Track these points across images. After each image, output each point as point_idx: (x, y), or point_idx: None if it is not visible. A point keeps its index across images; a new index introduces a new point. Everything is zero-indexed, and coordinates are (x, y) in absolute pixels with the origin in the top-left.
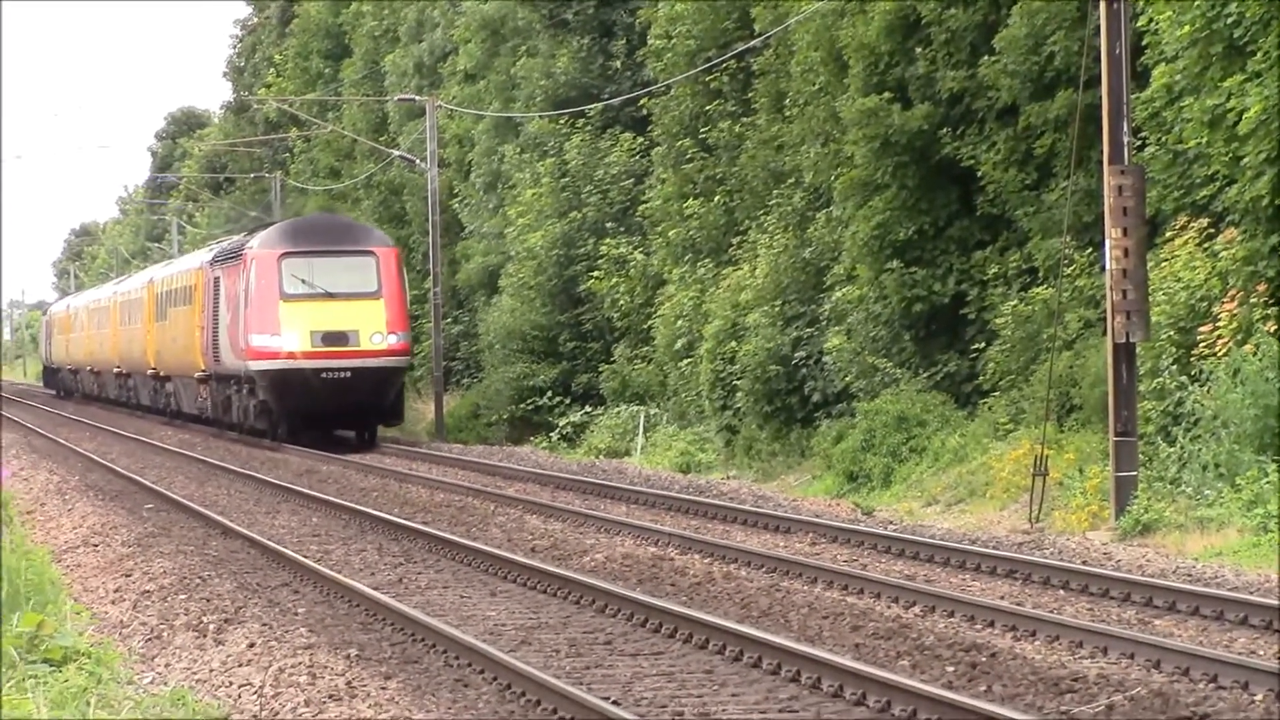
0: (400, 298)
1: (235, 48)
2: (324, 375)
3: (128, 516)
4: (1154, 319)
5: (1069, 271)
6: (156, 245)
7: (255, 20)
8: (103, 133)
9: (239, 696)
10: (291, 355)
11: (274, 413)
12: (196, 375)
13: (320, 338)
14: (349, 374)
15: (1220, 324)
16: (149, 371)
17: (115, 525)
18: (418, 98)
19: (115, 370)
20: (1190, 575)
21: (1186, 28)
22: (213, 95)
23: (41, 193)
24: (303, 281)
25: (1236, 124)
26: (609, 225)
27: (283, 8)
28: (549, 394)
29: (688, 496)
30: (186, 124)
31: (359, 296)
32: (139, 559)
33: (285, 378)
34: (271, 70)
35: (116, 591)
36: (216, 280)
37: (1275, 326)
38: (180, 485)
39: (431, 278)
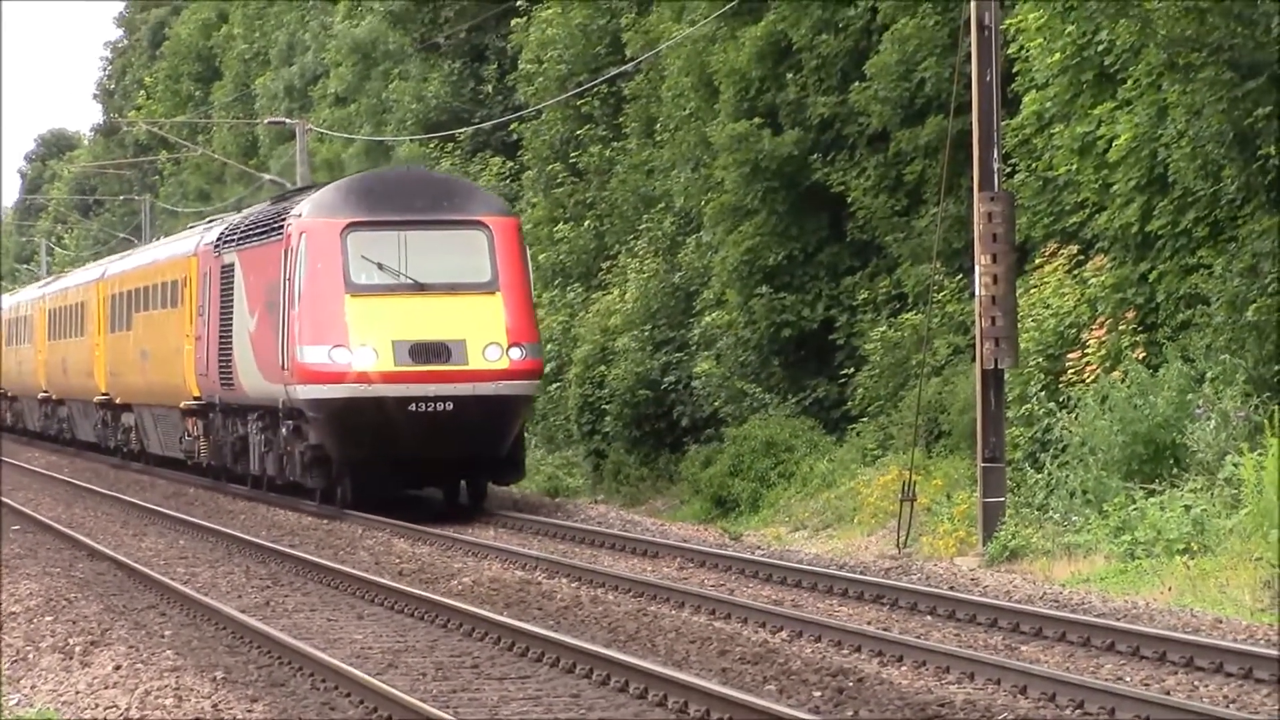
0: (524, 292)
1: (105, 70)
2: (414, 407)
3: None
4: (1023, 346)
5: (938, 298)
6: (25, 267)
7: (126, 42)
8: None
9: (105, 719)
10: (364, 377)
11: (335, 463)
12: (182, 405)
13: (408, 351)
14: (451, 405)
15: (1089, 351)
16: (97, 399)
17: None
18: (288, 120)
19: (40, 395)
20: (1057, 601)
21: (1057, 55)
22: (83, 117)
23: None
24: (380, 267)
25: (1106, 151)
26: None
27: (153, 30)
28: None
29: (555, 521)
30: (56, 146)
31: (466, 290)
32: (4, 581)
33: (354, 411)
34: (142, 92)
35: None
36: (228, 269)
37: (1143, 354)
38: (47, 507)
39: None
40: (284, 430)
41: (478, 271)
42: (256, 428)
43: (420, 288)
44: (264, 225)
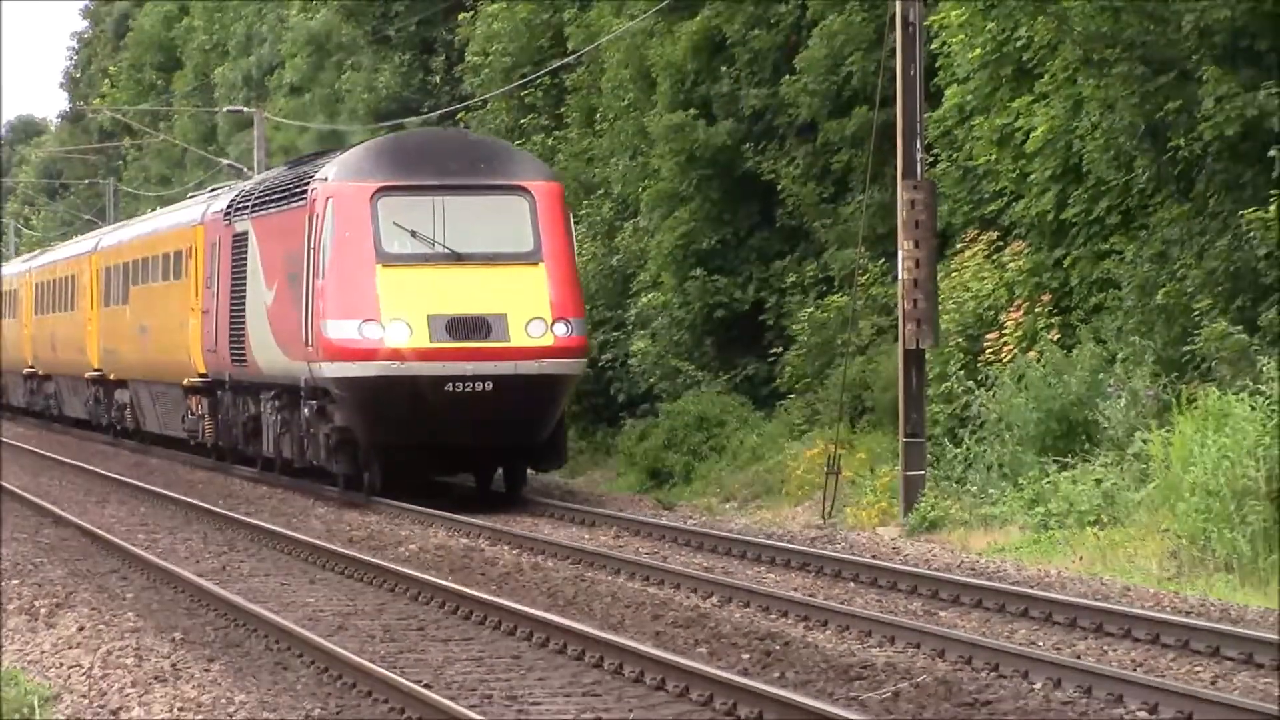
0: (569, 263)
1: (72, 59)
2: (451, 387)
3: None
4: (943, 327)
5: (863, 281)
6: None
7: (91, 33)
8: None
9: (69, 677)
10: (397, 354)
11: (363, 447)
12: (186, 382)
13: (445, 326)
14: (490, 385)
15: (1006, 332)
16: (89, 375)
17: None
18: (246, 109)
19: (26, 371)
20: (974, 569)
21: (978, 50)
22: (50, 105)
23: None
24: (414, 235)
25: (1024, 143)
26: None
27: (117, 22)
28: None
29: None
30: (23, 132)
31: (507, 260)
32: None
33: (385, 390)
34: (106, 81)
35: None
36: (240, 238)
37: (1058, 335)
38: (14, 476)
39: None
40: (305, 411)
41: (519, 240)
42: (272, 408)
43: (457, 258)
44: (283, 190)
